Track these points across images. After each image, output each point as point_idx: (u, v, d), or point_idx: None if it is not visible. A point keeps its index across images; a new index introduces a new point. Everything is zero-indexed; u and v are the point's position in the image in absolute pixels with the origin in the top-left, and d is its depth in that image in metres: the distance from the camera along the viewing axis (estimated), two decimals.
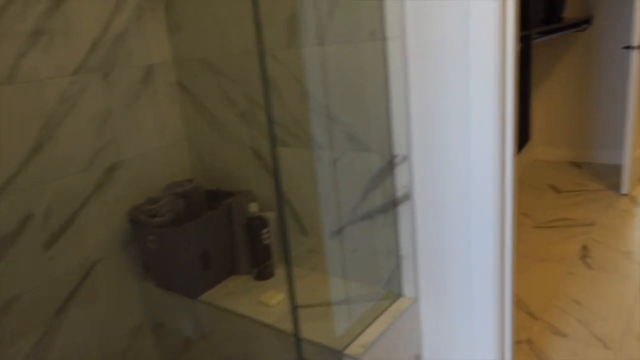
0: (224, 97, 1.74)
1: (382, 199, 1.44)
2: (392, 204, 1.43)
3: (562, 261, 2.38)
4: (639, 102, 2.94)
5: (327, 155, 1.52)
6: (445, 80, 1.24)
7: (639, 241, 2.47)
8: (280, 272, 1.76)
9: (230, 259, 1.77)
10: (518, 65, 2.31)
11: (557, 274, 2.27)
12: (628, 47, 2.78)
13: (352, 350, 1.30)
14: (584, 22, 3.42)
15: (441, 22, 1.20)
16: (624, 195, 3.05)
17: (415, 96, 1.30)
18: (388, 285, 1.52)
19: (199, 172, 1.96)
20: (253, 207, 1.67)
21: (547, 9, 2.95)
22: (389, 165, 1.39)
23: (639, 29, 2.72)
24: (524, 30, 2.36)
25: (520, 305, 2.06)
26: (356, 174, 1.48)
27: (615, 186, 3.21)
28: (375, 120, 1.39)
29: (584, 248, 2.48)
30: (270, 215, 1.71)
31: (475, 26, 1.16)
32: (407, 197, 1.39)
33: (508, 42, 1.20)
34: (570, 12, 3.51)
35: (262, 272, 1.72)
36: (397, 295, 1.52)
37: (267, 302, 1.55)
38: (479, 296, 1.37)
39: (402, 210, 1.42)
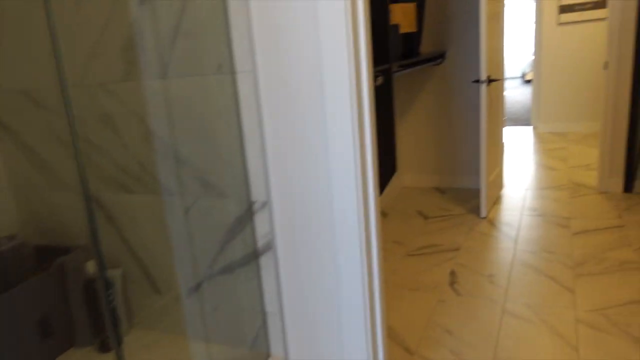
0: (53, 136, 1.47)
1: (243, 250, 1.28)
2: (253, 255, 1.27)
3: (433, 289, 2.41)
4: (490, 131, 3.18)
5: (178, 203, 1.33)
6: (301, 116, 1.14)
7: (499, 264, 2.60)
8: (131, 339, 1.50)
9: (66, 328, 1.47)
10: (381, 98, 2.36)
11: (429, 303, 2.29)
12: (477, 81, 2.98)
13: None
14: (439, 57, 3.65)
15: (293, 55, 1.10)
16: (484, 218, 3.24)
17: (270, 135, 1.17)
18: (255, 346, 1.35)
19: (28, 225, 1.63)
20: (91, 267, 1.40)
21: (405, 45, 3.09)
22: (248, 213, 1.24)
23: (485, 65, 2.94)
24: (384, 64, 2.40)
25: (396, 339, 2.01)
26: (212, 223, 1.30)
27: (476, 209, 3.41)
28: (229, 163, 1.23)
29: (452, 274, 2.55)
30: (115, 274, 1.46)
31: (328, 60, 1.07)
32: (269, 246, 1.25)
33: (363, 77, 1.13)
34: (426, 46, 3.73)
35: (106, 343, 1.45)
36: (265, 355, 1.35)
37: None
38: (350, 347, 1.26)
39: (265, 261, 1.27)
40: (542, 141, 5.28)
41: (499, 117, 3.43)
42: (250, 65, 1.12)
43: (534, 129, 5.90)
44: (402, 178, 4.07)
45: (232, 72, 1.14)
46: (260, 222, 1.24)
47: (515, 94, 9.40)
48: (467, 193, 3.78)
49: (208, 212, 1.30)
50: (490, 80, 3.01)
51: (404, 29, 3.02)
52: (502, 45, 3.38)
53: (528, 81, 10.65)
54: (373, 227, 1.21)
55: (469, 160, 3.85)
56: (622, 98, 3.28)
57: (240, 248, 1.29)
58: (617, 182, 3.42)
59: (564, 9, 5.30)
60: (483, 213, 3.25)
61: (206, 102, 1.21)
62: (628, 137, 3.30)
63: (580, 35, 5.31)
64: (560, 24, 5.36)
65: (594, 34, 5.26)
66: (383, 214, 3.50)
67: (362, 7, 1.11)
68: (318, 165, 1.16)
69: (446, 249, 2.85)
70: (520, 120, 6.61)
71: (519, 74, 11.49)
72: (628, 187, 3.40)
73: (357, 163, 1.13)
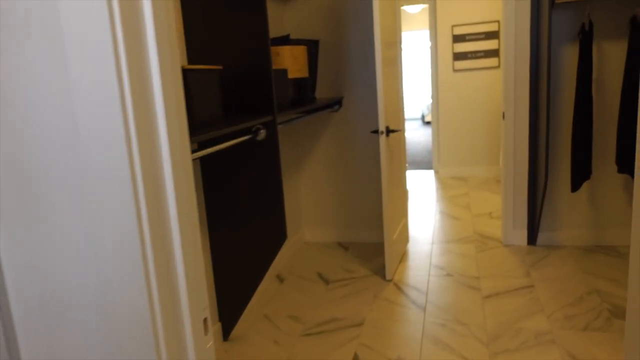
0: None
1: None
2: None
3: None
4: (392, 183, 2.91)
5: None
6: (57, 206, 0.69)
7: (407, 342, 2.26)
8: None
9: None
10: (263, 156, 2.01)
11: None
12: (375, 132, 2.70)
13: None
14: (335, 103, 3.38)
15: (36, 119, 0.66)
16: (389, 281, 2.93)
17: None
18: None
19: None
20: None
21: (296, 91, 2.76)
22: None
23: (383, 115, 2.68)
24: (267, 115, 2.03)
25: None
26: None
27: (381, 270, 3.09)
28: None
29: (356, 358, 2.16)
30: None
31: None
32: None
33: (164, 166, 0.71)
34: (322, 92, 3.45)
35: None
36: None
37: None
38: None
39: None
40: (445, 187, 5.20)
41: (401, 168, 3.19)
42: None
43: (436, 173, 5.86)
44: (303, 233, 3.68)
45: None
46: None
47: (416, 135, 9.58)
48: (371, 249, 3.47)
49: None
50: (389, 131, 2.76)
51: (293, 74, 2.69)
52: (401, 92, 3.18)
53: (428, 122, 10.98)
54: None
55: (371, 212, 3.56)
56: (521, 149, 3.18)
57: None
58: (521, 235, 3.29)
59: (458, 57, 5.37)
60: (388, 275, 2.93)
61: None
62: (529, 190, 3.20)
63: (475, 81, 5.39)
64: (456, 70, 5.42)
65: (488, 80, 5.36)
66: (280, 279, 3.07)
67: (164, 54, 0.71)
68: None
69: (349, 324, 2.47)
70: (423, 163, 6.59)
71: (419, 115, 11.85)
72: (532, 240, 3.28)
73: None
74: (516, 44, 3.07)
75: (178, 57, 0.87)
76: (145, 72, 0.78)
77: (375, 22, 2.59)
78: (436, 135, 5.73)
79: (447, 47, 5.41)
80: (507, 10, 3.04)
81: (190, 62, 2.08)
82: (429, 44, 5.62)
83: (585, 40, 2.83)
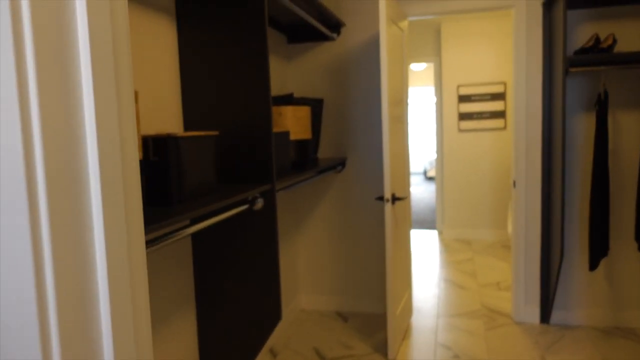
0: None
1: None
2: None
3: None
4: (396, 252, 2.72)
5: None
6: None
7: None
8: None
9: None
10: (259, 227, 1.85)
11: None
12: (380, 199, 2.54)
13: None
14: (338, 164, 3.24)
15: None
16: None
17: None
18: None
19: None
20: None
21: (298, 153, 2.62)
22: None
23: (389, 182, 2.53)
24: (265, 183, 1.87)
25: None
26: None
27: (382, 346, 2.85)
28: None
29: None
30: None
31: None
32: None
33: None
34: (325, 151, 3.32)
35: None
36: None
37: None
38: None
39: None
40: (449, 250, 4.99)
41: (406, 236, 3.01)
42: None
43: (439, 233, 5.66)
44: (299, 300, 3.45)
45: None
46: None
47: (418, 191, 9.44)
48: (372, 320, 3.23)
49: None
50: (395, 199, 2.60)
51: (296, 136, 2.56)
52: (407, 153, 3.04)
53: (430, 178, 10.87)
54: None
55: (373, 281, 3.35)
56: (533, 220, 3.01)
57: None
58: (534, 311, 3.07)
59: (463, 117, 5.30)
60: (391, 354, 2.69)
61: None
62: (542, 264, 3.01)
63: (481, 142, 5.29)
64: (461, 130, 5.33)
65: (494, 142, 5.27)
66: (273, 354, 2.82)
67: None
68: None
69: None
70: (426, 222, 6.41)
71: (421, 170, 11.76)
72: (545, 318, 3.05)
73: None
74: (527, 109, 2.96)
75: (133, 109, 0.71)
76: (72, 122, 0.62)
77: (383, 80, 2.49)
78: (440, 195, 5.58)
79: (453, 107, 5.35)
80: (517, 73, 2.95)
81: (185, 121, 1.95)
82: (434, 99, 5.57)
83: (602, 110, 2.71)
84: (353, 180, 3.29)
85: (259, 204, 1.88)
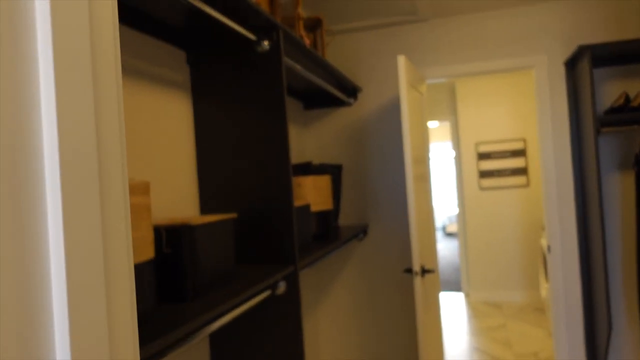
0: None
1: None
2: None
3: None
4: (427, 332, 2.51)
5: None
6: None
7: None
8: None
9: None
10: (281, 314, 1.69)
11: None
12: (409, 271, 2.38)
13: None
14: (360, 232, 3.09)
15: None
16: None
17: None
18: None
19: None
20: None
21: (318, 224, 2.50)
22: None
23: (418, 252, 2.37)
24: (288, 265, 1.73)
25: None
26: None
27: None
28: None
29: None
30: None
31: None
32: None
33: None
34: (345, 218, 3.19)
35: None
36: None
37: None
38: None
39: None
40: (477, 314, 4.71)
41: (436, 311, 2.81)
42: None
43: (466, 296, 5.39)
44: None
45: None
46: None
47: (439, 248, 9.17)
48: None
49: None
50: (424, 271, 2.43)
51: (317, 207, 2.45)
52: (432, 217, 2.89)
53: (450, 234, 10.61)
54: None
55: (402, 354, 3.11)
56: (572, 286, 2.80)
57: None
58: None
59: (484, 174, 5.17)
60: None
61: None
62: (586, 337, 2.76)
63: (504, 200, 5.13)
64: (482, 188, 5.18)
65: (518, 199, 5.09)
66: None
67: None
68: None
69: None
70: (450, 283, 6.13)
71: (440, 225, 11.51)
72: None
73: None
74: (557, 170, 2.82)
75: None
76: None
77: (406, 140, 2.39)
78: (464, 255, 5.35)
79: (472, 164, 5.23)
80: (543, 133, 2.84)
81: (201, 200, 1.85)
82: (452, 154, 5.46)
83: None
84: (376, 248, 3.13)
85: (282, 288, 1.73)
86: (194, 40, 1.79)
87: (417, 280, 2.36)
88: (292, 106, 3.04)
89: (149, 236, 1.07)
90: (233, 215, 1.54)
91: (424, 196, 2.71)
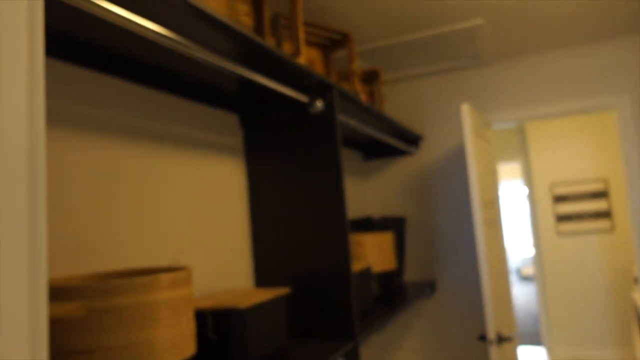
0: None
1: None
2: None
3: None
4: None
5: None
6: None
7: None
8: None
9: None
10: None
11: None
12: (483, 339, 2.14)
13: None
14: (427, 287, 2.88)
15: None
16: None
17: None
18: None
19: None
20: None
21: (381, 285, 2.33)
22: None
23: (493, 317, 2.14)
24: (347, 340, 1.59)
25: None
26: None
27: None
28: None
29: None
30: None
31: None
32: None
33: None
34: (410, 273, 2.99)
35: None
36: None
37: None
38: None
39: None
40: None
41: None
42: None
43: (548, 351, 4.90)
44: None
45: None
46: None
47: (513, 293, 8.56)
48: None
49: None
50: (501, 339, 2.19)
51: (378, 267, 2.29)
52: (507, 273, 2.64)
53: (526, 277, 9.92)
54: None
55: None
56: None
57: None
58: None
59: (561, 219, 4.78)
60: None
61: None
62: None
63: (586, 246, 4.69)
64: (560, 233, 4.78)
65: (602, 245, 4.64)
66: None
67: None
68: None
69: None
70: (527, 335, 5.64)
71: (514, 268, 10.81)
72: None
73: None
74: None
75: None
76: None
77: (474, 190, 2.20)
78: (543, 306, 4.91)
79: (547, 207, 4.86)
80: (630, 174, 2.55)
81: (255, 273, 1.76)
82: (524, 193, 5.11)
83: None
84: (446, 306, 2.89)
85: None
86: (247, 104, 1.76)
87: (493, 350, 2.12)
88: (350, 157, 2.95)
89: (190, 330, 0.98)
90: (286, 290, 1.43)
91: (494, 236, 2.49)
